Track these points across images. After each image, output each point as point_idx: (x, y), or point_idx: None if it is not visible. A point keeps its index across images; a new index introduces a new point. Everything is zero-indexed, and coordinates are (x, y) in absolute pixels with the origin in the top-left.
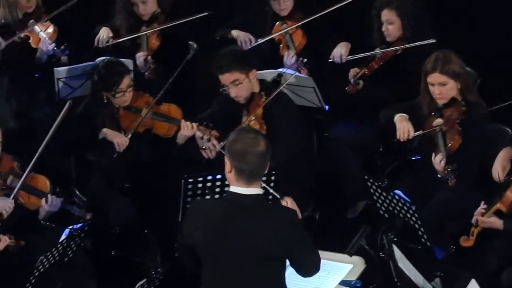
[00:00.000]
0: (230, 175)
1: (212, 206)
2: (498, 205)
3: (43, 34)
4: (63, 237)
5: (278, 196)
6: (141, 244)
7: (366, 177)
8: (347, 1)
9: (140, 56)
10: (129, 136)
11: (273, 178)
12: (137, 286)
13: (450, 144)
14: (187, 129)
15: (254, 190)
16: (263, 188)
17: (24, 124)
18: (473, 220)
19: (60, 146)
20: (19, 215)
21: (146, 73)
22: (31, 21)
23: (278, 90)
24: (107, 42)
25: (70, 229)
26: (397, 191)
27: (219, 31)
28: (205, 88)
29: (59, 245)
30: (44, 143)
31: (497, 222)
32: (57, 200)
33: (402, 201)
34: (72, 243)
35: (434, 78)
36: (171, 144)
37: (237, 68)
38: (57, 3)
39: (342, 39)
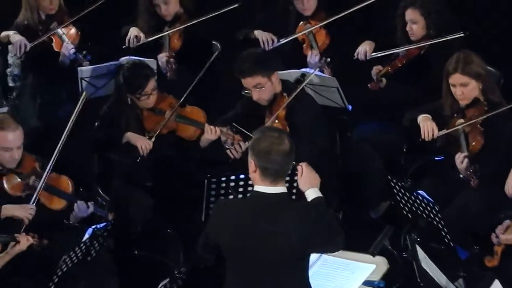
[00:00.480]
0: (255, 175)
1: (238, 206)
2: None
3: (66, 38)
4: (86, 236)
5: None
6: (164, 243)
7: (389, 177)
8: (370, 1)
9: (162, 57)
10: (153, 139)
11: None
12: (160, 285)
13: (472, 145)
14: (211, 133)
15: (279, 188)
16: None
17: (47, 123)
18: (494, 241)
19: (85, 145)
20: (42, 216)
21: (168, 74)
22: (54, 23)
23: (299, 89)
24: (138, 42)
25: (93, 228)
26: (420, 191)
27: (241, 31)
28: (229, 88)
29: (82, 245)
30: (62, 137)
31: None
32: (84, 205)
33: (426, 201)
34: (95, 242)
35: (456, 79)
36: (194, 146)
37: (259, 73)
38: (80, 4)
39: (366, 39)
